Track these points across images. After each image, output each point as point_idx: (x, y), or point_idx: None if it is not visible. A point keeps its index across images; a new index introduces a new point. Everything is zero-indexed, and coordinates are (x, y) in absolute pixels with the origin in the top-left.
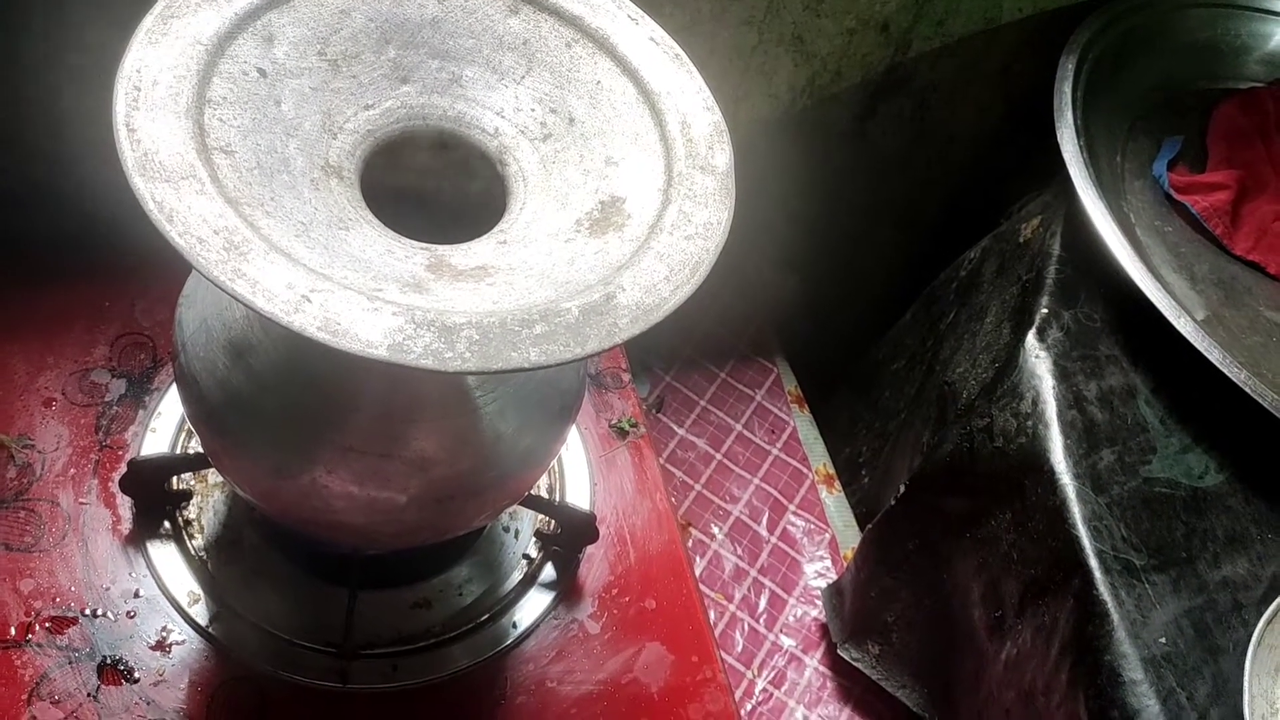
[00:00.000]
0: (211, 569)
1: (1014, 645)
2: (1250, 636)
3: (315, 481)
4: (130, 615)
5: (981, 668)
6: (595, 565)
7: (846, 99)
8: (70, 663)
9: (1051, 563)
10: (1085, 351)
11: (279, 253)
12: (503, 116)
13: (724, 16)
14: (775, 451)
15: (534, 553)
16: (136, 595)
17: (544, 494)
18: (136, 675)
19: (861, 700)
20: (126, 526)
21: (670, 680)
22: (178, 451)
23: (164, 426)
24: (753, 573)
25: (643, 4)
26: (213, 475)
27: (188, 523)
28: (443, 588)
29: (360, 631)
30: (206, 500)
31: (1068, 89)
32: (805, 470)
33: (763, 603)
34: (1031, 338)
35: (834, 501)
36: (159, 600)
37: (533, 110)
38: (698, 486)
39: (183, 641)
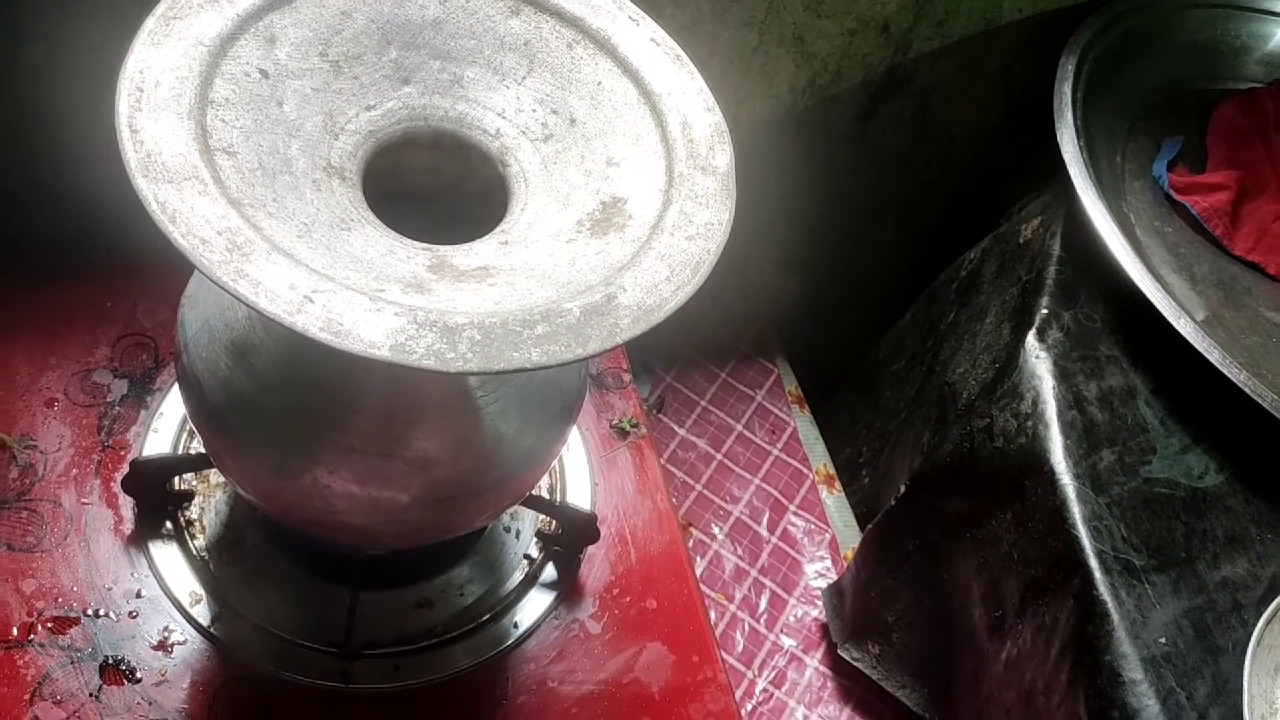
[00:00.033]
0: (213, 569)
1: (1014, 645)
2: (1250, 636)
3: (317, 482)
4: (132, 615)
5: (982, 668)
6: (596, 565)
7: (847, 99)
8: (72, 663)
9: (1052, 563)
10: (1085, 352)
11: (281, 253)
12: (504, 117)
13: (725, 17)
14: (776, 452)
15: (535, 553)
16: (138, 595)
17: (545, 494)
18: (138, 675)
19: (862, 700)
20: (128, 527)
21: (671, 680)
22: (180, 452)
23: (166, 427)
24: (753, 573)
25: (644, 5)
26: (215, 475)
27: (189, 523)
28: (444, 588)
29: (362, 631)
30: (208, 500)
31: (1068, 89)
32: (806, 470)
33: (763, 603)
34: (1031, 338)
35: (834, 502)
36: (161, 600)
37: (534, 111)
38: (698, 487)
39: (184, 641)
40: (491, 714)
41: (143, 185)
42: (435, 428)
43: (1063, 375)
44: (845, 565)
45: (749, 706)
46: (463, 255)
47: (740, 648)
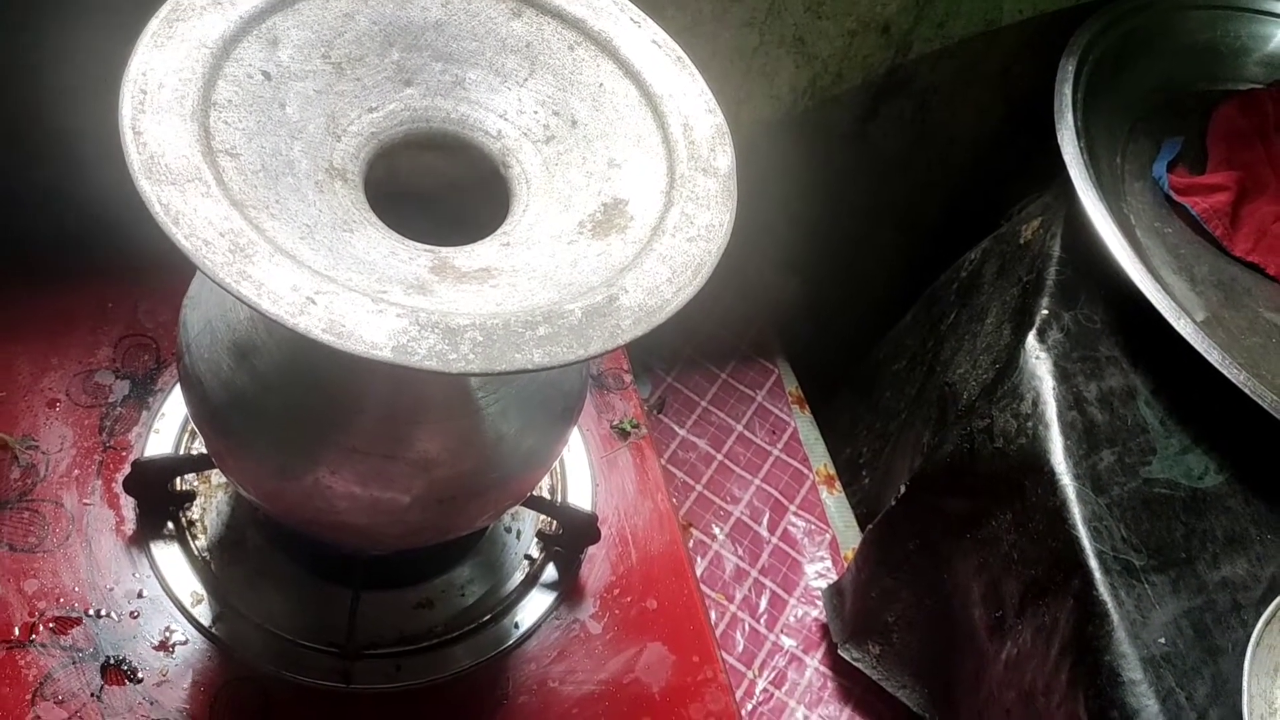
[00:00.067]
0: (215, 569)
1: (1014, 645)
2: (1249, 637)
3: (319, 482)
4: (134, 615)
5: (982, 668)
6: (597, 566)
7: (847, 101)
8: (74, 663)
9: (1051, 563)
10: (1085, 353)
11: (284, 255)
12: (505, 119)
13: (725, 18)
14: (776, 452)
15: (536, 553)
16: (140, 595)
17: (546, 495)
18: (140, 675)
19: (862, 700)
20: (130, 527)
21: (671, 680)
22: (181, 452)
23: (167, 427)
24: (753, 573)
25: (644, 6)
26: (216, 476)
27: (191, 523)
28: (445, 588)
29: (363, 632)
30: (210, 501)
31: (1068, 91)
32: (806, 471)
33: (763, 603)
34: (1032, 339)
35: (834, 502)
36: (162, 600)
37: (535, 113)
38: (699, 487)
39: (186, 642)
40: (492, 714)
41: (146, 187)
42: (437, 428)
43: (1063, 376)
44: (845, 565)
45: (749, 706)
46: (465, 257)
47: (740, 648)
